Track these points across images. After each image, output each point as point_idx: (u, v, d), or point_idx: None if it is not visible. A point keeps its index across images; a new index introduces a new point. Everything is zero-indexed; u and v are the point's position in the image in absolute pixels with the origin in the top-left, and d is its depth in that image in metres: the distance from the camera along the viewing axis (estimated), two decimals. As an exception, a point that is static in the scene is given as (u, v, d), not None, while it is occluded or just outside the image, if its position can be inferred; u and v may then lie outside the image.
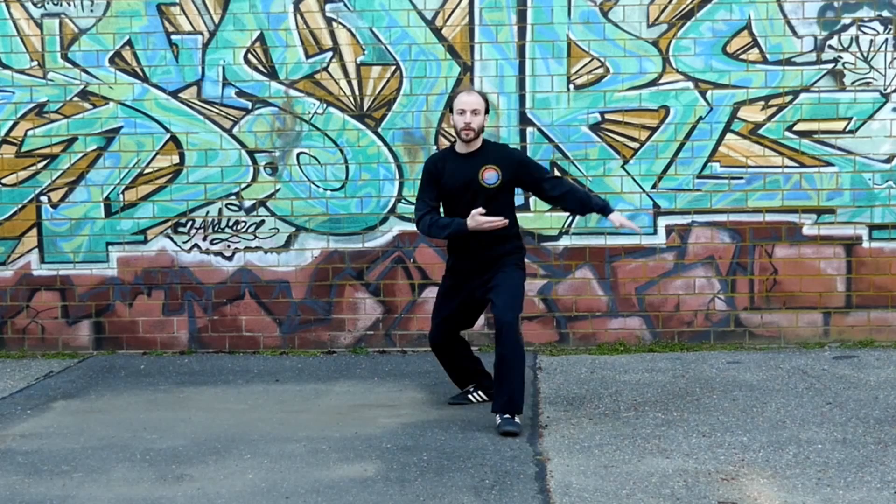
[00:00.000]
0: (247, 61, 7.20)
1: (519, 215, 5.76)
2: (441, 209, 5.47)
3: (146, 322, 7.39)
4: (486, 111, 5.35)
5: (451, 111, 5.33)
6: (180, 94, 7.24)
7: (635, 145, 7.14)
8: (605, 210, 5.41)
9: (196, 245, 7.35)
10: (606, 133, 7.13)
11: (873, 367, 6.48)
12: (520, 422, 5.20)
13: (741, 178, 7.13)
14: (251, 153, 7.28)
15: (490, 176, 5.28)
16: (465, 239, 5.32)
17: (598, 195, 6.18)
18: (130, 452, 5.02)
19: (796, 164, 7.10)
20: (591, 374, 6.47)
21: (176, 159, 7.29)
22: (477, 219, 5.18)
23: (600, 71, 7.10)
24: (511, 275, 5.34)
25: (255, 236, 7.32)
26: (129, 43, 7.23)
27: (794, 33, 7.03)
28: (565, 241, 7.21)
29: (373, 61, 7.17)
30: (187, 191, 7.30)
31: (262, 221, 7.31)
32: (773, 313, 7.19)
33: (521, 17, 7.09)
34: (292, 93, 7.21)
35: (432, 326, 5.64)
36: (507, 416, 5.19)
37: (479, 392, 5.78)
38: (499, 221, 5.19)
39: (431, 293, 7.22)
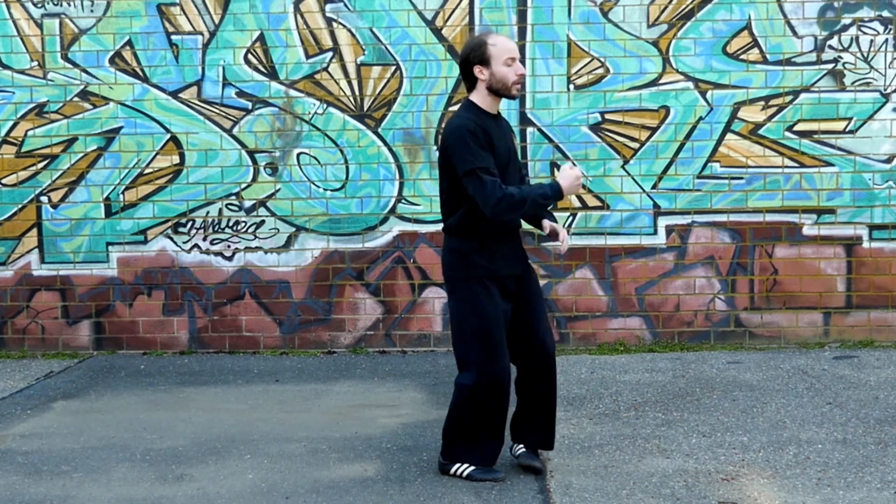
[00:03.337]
0: (247, 61, 7.20)
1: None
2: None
3: (146, 322, 7.39)
4: None
5: (486, 63, 4.20)
6: (180, 95, 7.24)
7: (635, 145, 7.14)
8: None
9: (196, 245, 7.34)
10: (606, 133, 7.13)
11: (873, 367, 6.48)
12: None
13: (741, 178, 7.13)
14: (251, 153, 7.28)
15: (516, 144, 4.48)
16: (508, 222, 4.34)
17: None
18: (130, 452, 5.02)
19: (796, 165, 7.10)
20: (591, 374, 6.47)
21: (176, 159, 7.29)
22: (576, 172, 4.26)
23: (600, 71, 7.10)
24: (539, 288, 4.55)
25: (256, 236, 7.32)
26: (129, 43, 7.23)
27: (794, 33, 7.03)
28: (565, 242, 7.20)
29: (373, 61, 7.17)
30: (187, 191, 7.30)
31: (262, 221, 7.30)
32: (773, 313, 7.19)
33: (522, 17, 7.09)
34: (292, 93, 7.21)
35: (500, 361, 4.29)
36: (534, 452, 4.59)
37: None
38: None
39: (431, 293, 7.24)
